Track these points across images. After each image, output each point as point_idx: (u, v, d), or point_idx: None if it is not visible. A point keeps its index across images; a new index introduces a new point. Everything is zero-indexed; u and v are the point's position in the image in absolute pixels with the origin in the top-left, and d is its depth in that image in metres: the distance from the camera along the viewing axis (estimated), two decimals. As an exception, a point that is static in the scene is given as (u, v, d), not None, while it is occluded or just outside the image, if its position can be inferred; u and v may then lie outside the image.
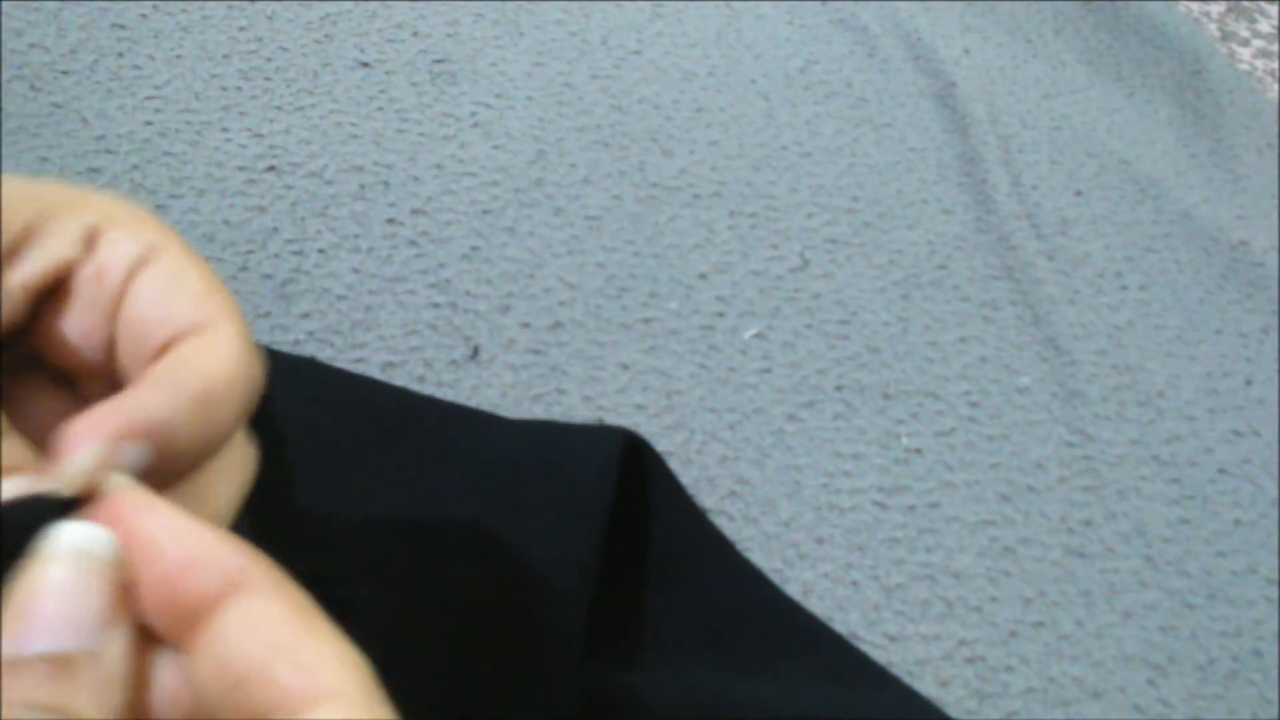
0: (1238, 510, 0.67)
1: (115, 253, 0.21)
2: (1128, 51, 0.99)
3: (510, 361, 0.63)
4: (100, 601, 0.16)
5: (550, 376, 0.63)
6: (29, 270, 0.20)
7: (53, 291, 0.21)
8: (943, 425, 0.67)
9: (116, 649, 0.16)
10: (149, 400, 0.19)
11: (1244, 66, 1.03)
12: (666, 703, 0.35)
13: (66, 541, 0.16)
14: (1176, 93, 0.96)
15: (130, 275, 0.21)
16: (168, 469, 0.19)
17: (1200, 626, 0.61)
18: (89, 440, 0.18)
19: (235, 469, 0.22)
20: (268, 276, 0.64)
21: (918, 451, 0.65)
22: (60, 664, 0.15)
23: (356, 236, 0.67)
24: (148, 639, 0.17)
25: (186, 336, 0.20)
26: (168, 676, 0.17)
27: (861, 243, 0.76)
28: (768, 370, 0.67)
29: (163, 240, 0.22)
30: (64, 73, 0.71)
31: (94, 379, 0.22)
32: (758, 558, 0.58)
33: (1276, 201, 0.89)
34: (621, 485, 0.36)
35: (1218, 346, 0.76)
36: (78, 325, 0.21)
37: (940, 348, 0.71)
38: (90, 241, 0.21)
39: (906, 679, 0.53)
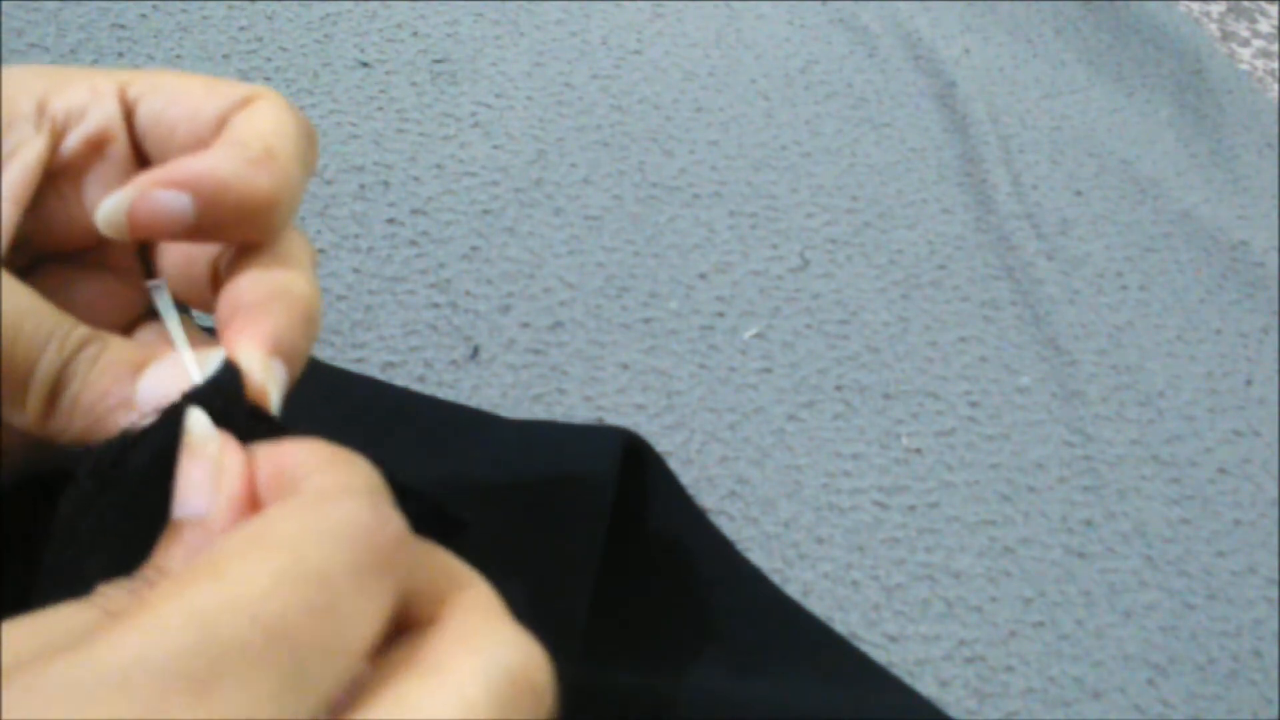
0: (1238, 510, 0.67)
1: (106, 103, 0.20)
2: (1128, 51, 0.99)
3: (510, 361, 0.63)
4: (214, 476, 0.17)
5: (550, 376, 0.63)
6: (72, 144, 0.20)
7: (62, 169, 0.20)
8: (943, 425, 0.67)
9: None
10: (200, 157, 0.19)
11: (1244, 66, 1.03)
12: (667, 703, 0.35)
13: (200, 429, 0.17)
14: (1176, 93, 0.96)
15: (132, 104, 0.20)
16: (221, 227, 0.19)
17: (1200, 626, 0.61)
18: (127, 188, 0.18)
19: None
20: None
21: (918, 451, 0.65)
22: (172, 528, 0.16)
23: (356, 236, 0.67)
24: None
25: (241, 109, 0.20)
26: None
27: (861, 243, 0.76)
28: (768, 370, 0.67)
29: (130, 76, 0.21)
30: (64, 73, 0.71)
31: (114, 248, 0.21)
32: (758, 558, 0.58)
33: (1276, 201, 0.89)
34: (621, 485, 0.36)
35: (1218, 346, 0.76)
36: (101, 188, 0.20)
37: (940, 348, 0.71)
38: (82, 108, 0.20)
39: (906, 679, 0.53)
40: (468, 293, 0.66)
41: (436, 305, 0.65)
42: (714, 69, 0.85)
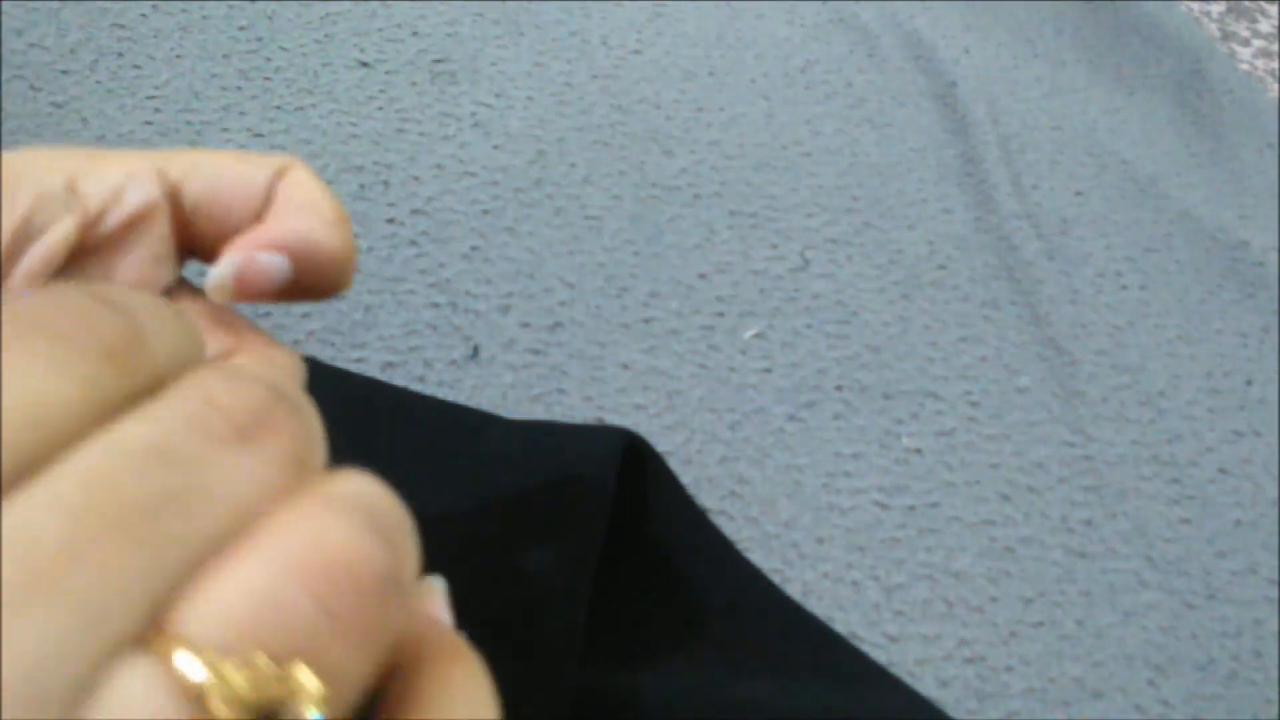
0: (1238, 510, 0.67)
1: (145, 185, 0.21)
2: (1128, 51, 0.99)
3: (510, 361, 0.63)
4: None
5: (550, 376, 0.63)
6: (112, 223, 0.20)
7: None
8: (943, 425, 0.67)
9: None
10: (284, 221, 0.21)
11: (1244, 66, 1.03)
12: (666, 703, 0.35)
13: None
14: (1176, 93, 0.96)
15: (180, 183, 0.21)
16: (315, 283, 0.21)
17: (1200, 626, 0.61)
18: (229, 255, 0.20)
19: None
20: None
21: (918, 451, 0.65)
22: None
23: (356, 236, 0.67)
24: None
25: (280, 179, 0.21)
26: None
27: (861, 243, 0.76)
28: (768, 370, 0.67)
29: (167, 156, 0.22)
30: (64, 73, 0.71)
31: None
32: (758, 558, 0.58)
33: (1276, 201, 0.89)
34: (622, 485, 0.36)
35: (1218, 346, 0.76)
36: (140, 262, 0.21)
37: (940, 348, 0.71)
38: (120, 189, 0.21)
39: (906, 679, 0.53)
40: (468, 293, 0.66)
41: (436, 305, 0.65)
42: (714, 69, 0.85)
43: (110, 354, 0.13)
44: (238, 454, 0.13)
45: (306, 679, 0.12)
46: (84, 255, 0.20)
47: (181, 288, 0.22)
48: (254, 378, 0.14)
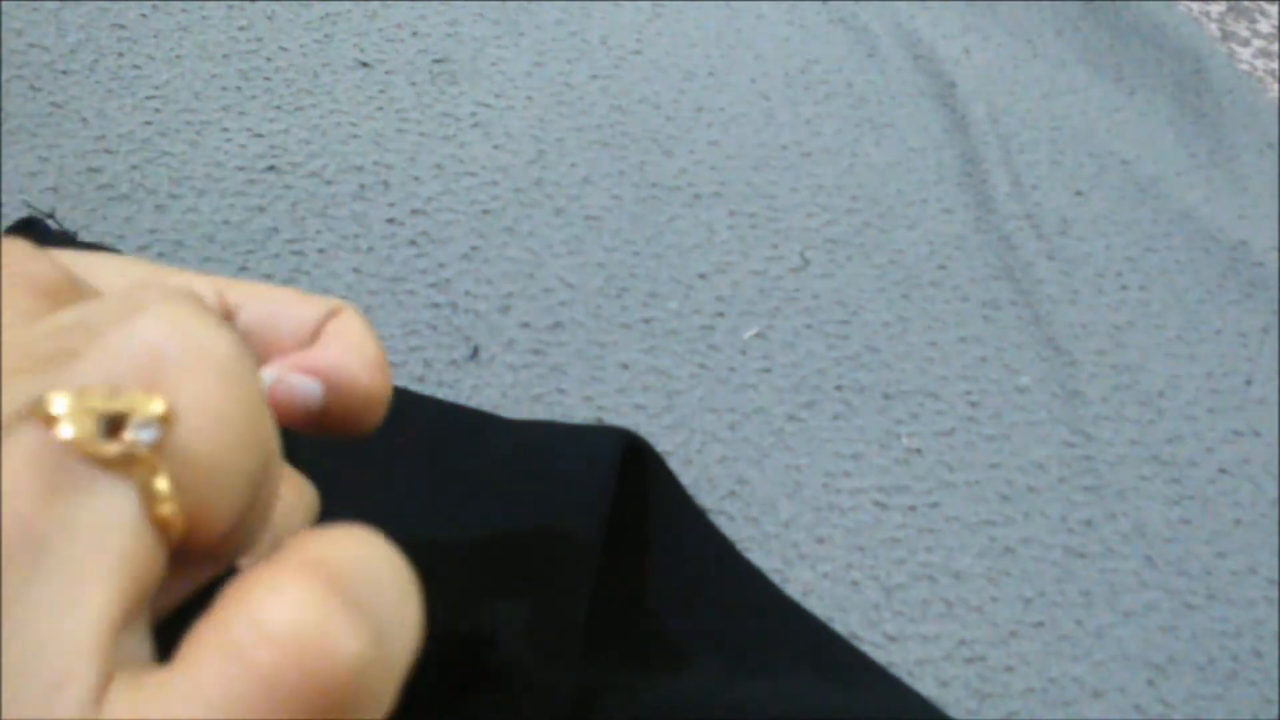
0: (1238, 510, 0.67)
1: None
2: (1128, 51, 0.99)
3: (510, 361, 0.63)
4: None
5: (550, 376, 0.63)
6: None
7: None
8: (943, 425, 0.67)
9: None
10: (325, 350, 0.21)
11: (1244, 66, 1.03)
12: (666, 703, 0.35)
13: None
14: (1176, 93, 0.96)
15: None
16: (344, 419, 0.21)
17: (1200, 626, 0.61)
18: (268, 368, 0.21)
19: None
20: (268, 276, 0.64)
21: (918, 451, 0.65)
22: None
23: (356, 236, 0.67)
24: None
25: (330, 319, 0.22)
26: None
27: (861, 243, 0.76)
28: (768, 370, 0.67)
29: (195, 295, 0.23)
30: (64, 73, 0.71)
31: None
32: (758, 558, 0.58)
33: (1276, 201, 0.89)
34: (621, 485, 0.36)
35: (1218, 346, 0.76)
36: None
37: (940, 348, 0.71)
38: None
39: (906, 679, 0.53)
40: (468, 293, 0.66)
41: (436, 305, 0.65)
42: (714, 69, 0.85)
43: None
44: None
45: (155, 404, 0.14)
46: None
47: None
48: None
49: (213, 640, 0.13)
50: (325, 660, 0.13)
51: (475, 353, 0.63)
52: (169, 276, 0.21)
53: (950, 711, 0.53)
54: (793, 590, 0.57)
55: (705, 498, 0.60)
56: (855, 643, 0.54)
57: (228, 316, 0.22)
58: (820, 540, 0.60)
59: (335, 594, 0.13)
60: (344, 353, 0.21)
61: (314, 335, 0.22)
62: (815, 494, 0.62)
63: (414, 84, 0.77)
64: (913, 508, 0.62)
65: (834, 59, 0.89)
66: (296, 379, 0.21)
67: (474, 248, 0.68)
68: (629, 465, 0.38)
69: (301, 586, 0.13)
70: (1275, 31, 1.08)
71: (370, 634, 0.13)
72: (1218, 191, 0.88)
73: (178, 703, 0.12)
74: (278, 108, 0.73)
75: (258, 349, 0.22)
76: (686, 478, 0.60)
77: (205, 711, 0.12)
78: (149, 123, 0.69)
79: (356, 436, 0.22)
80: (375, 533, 0.15)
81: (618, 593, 0.37)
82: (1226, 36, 1.06)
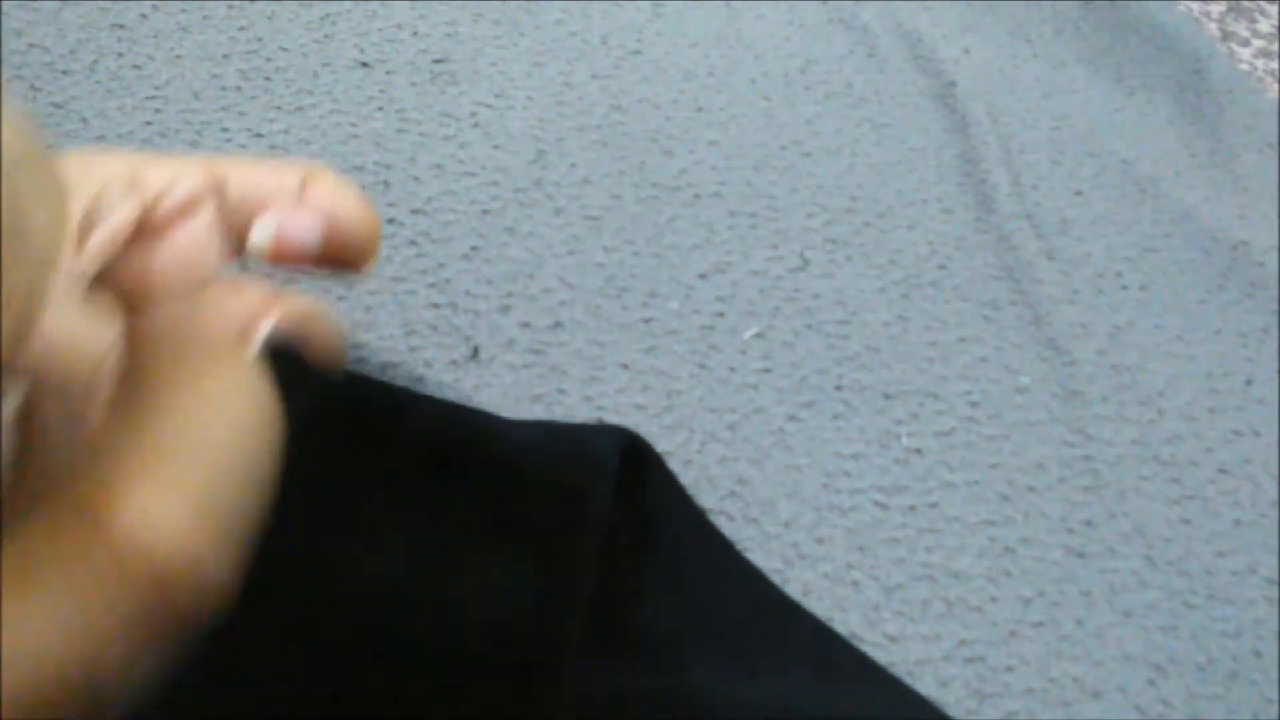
0: (1238, 510, 0.67)
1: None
2: (1128, 51, 0.99)
3: (510, 361, 0.63)
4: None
5: (550, 376, 0.63)
6: (168, 206, 0.24)
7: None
8: (943, 425, 0.67)
9: None
10: (314, 193, 0.24)
11: (1244, 66, 1.03)
12: (666, 703, 0.35)
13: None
14: (1176, 93, 0.96)
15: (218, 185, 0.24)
16: (343, 253, 0.24)
17: (1200, 626, 0.61)
18: (267, 216, 0.23)
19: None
20: (268, 277, 0.64)
21: (918, 451, 0.65)
22: None
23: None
24: None
25: (310, 178, 0.24)
26: None
27: (861, 243, 0.76)
28: (768, 370, 0.67)
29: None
30: (64, 73, 0.71)
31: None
32: (758, 558, 0.58)
33: (1276, 201, 0.89)
34: (620, 485, 0.36)
35: (1218, 346, 0.76)
36: (181, 254, 0.24)
37: (940, 348, 0.71)
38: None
39: (906, 679, 0.53)
40: (468, 293, 0.66)
41: (436, 305, 0.65)
42: (714, 69, 0.85)
43: None
44: None
45: None
46: (141, 238, 0.23)
47: (226, 281, 0.25)
48: None
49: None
50: None
51: (475, 353, 0.63)
52: (158, 159, 0.23)
53: (950, 711, 0.53)
54: (793, 590, 0.57)
55: (705, 498, 0.60)
56: (855, 643, 0.53)
57: (218, 188, 0.24)
58: (820, 540, 0.60)
59: None
60: (331, 195, 0.24)
61: (298, 195, 0.24)
62: (815, 494, 0.62)
63: (414, 84, 0.77)
64: (913, 508, 0.62)
65: (834, 59, 0.89)
66: (295, 218, 0.23)
67: (474, 248, 0.68)
68: (628, 465, 0.38)
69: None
70: (1275, 31, 1.08)
71: None
72: (1218, 191, 0.88)
73: None
74: (278, 108, 0.73)
75: (250, 210, 0.24)
76: (686, 478, 0.60)
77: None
78: (149, 123, 0.69)
79: (356, 275, 0.25)
80: None
81: (617, 593, 0.37)
82: (1226, 36, 1.06)
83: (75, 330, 0.21)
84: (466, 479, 0.25)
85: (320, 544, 0.25)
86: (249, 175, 0.24)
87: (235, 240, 0.24)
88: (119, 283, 0.23)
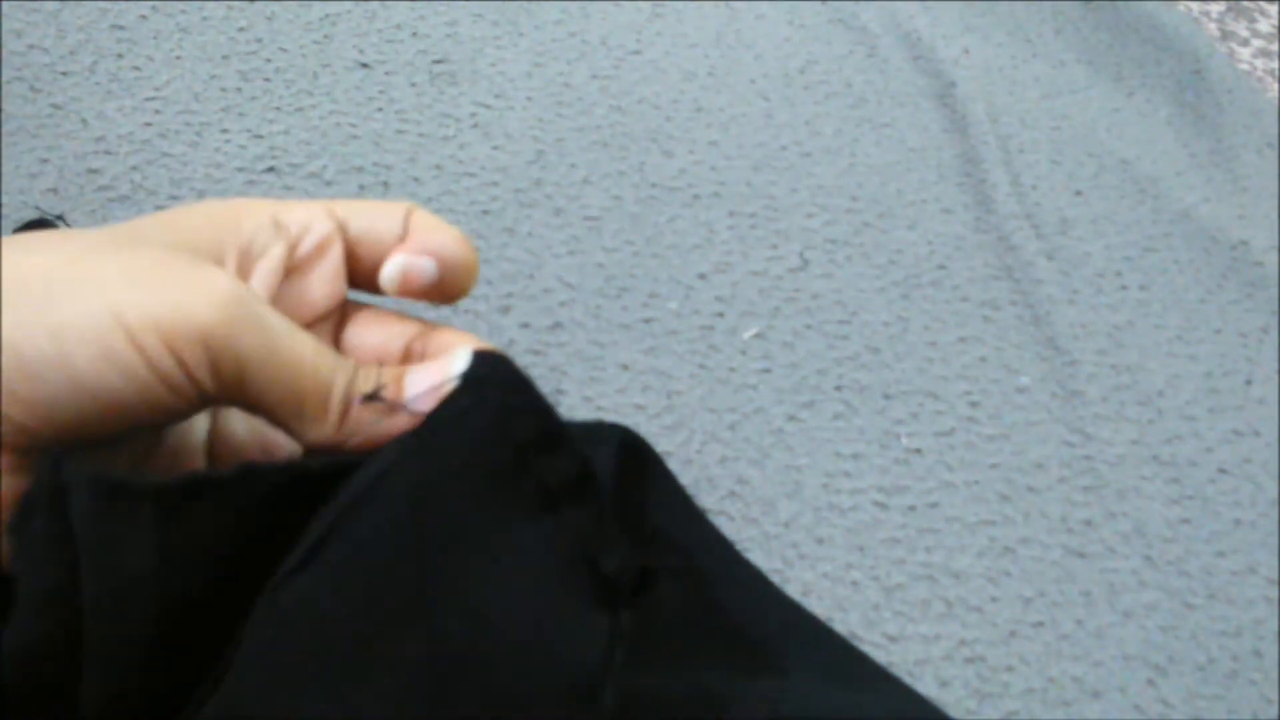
0: (1238, 510, 0.67)
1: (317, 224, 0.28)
2: (1128, 51, 0.99)
3: (510, 362, 0.63)
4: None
5: (550, 376, 0.63)
6: (306, 248, 0.27)
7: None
8: (943, 425, 0.67)
9: None
10: (426, 236, 0.28)
11: (1244, 66, 1.03)
12: (666, 703, 0.35)
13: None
14: (1176, 93, 0.96)
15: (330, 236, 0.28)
16: (450, 285, 0.28)
17: (1200, 626, 0.61)
18: (396, 256, 0.27)
19: None
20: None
21: (918, 451, 0.65)
22: None
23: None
24: None
25: (410, 217, 0.28)
26: None
27: (861, 243, 0.76)
28: (768, 370, 0.67)
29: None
30: (64, 74, 0.71)
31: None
32: (758, 558, 0.58)
33: (1276, 201, 0.89)
34: (619, 484, 0.36)
35: (1218, 346, 0.76)
36: (321, 281, 0.27)
37: (940, 348, 0.71)
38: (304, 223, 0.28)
39: (906, 679, 0.53)
40: (467, 293, 0.66)
41: (436, 306, 0.65)
42: (714, 69, 0.85)
43: None
44: None
45: None
46: (286, 274, 0.27)
47: (351, 304, 0.29)
48: None
49: None
50: None
51: (475, 353, 0.63)
52: (292, 204, 0.27)
53: (950, 711, 0.53)
54: (793, 590, 0.57)
55: (705, 498, 0.60)
56: (855, 643, 0.53)
57: (342, 229, 0.27)
58: (820, 540, 0.60)
59: None
60: (437, 235, 0.28)
61: (404, 232, 0.28)
62: (815, 494, 0.62)
63: (414, 85, 0.77)
64: (913, 508, 0.62)
65: (834, 59, 0.89)
66: (419, 260, 0.27)
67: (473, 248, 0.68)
68: (627, 463, 0.38)
69: None
70: (1275, 31, 1.08)
71: None
72: (1217, 191, 0.88)
73: None
74: (277, 109, 0.73)
75: (371, 248, 0.28)
76: (686, 478, 0.60)
77: None
78: (149, 124, 0.69)
79: (459, 300, 0.29)
80: None
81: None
82: (1226, 36, 1.06)
83: (289, 335, 0.24)
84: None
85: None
86: (364, 217, 0.28)
87: (357, 273, 0.28)
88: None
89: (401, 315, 0.29)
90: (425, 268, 0.27)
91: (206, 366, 0.22)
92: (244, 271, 0.25)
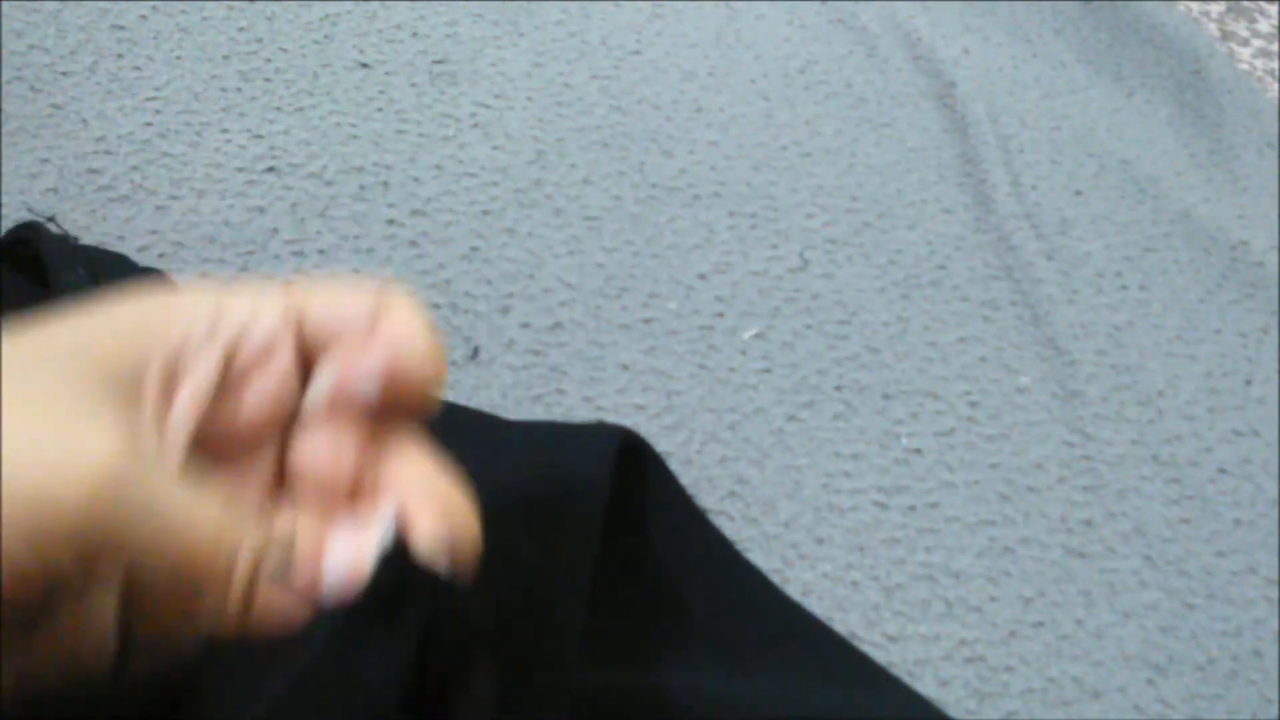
0: (1238, 510, 0.67)
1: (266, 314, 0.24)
2: (1128, 51, 0.99)
3: (510, 361, 0.63)
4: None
5: (550, 376, 0.63)
6: (242, 361, 0.23)
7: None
8: (943, 425, 0.67)
9: None
10: (376, 352, 0.23)
11: (1244, 66, 1.03)
12: (666, 702, 0.35)
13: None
14: (1176, 93, 0.96)
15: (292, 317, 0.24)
16: (400, 408, 0.24)
17: (1200, 626, 0.61)
18: (327, 370, 0.23)
19: None
20: (268, 277, 0.64)
21: (918, 451, 0.65)
22: None
23: (356, 237, 0.67)
24: None
25: (384, 309, 0.24)
26: None
27: (861, 243, 0.76)
28: (768, 370, 0.67)
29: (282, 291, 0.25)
30: (64, 74, 0.71)
31: (245, 449, 0.24)
32: (758, 558, 0.58)
33: (1276, 201, 0.89)
34: (619, 484, 0.36)
35: (1218, 346, 0.76)
36: (259, 392, 0.24)
37: (940, 348, 0.71)
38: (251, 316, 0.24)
39: (906, 679, 0.53)
40: (467, 293, 0.66)
41: (436, 306, 0.65)
42: (714, 69, 0.85)
43: None
44: None
45: None
46: (226, 390, 0.23)
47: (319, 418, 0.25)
48: None
49: None
50: None
51: (475, 353, 0.63)
52: (236, 292, 0.23)
53: (950, 711, 0.53)
54: (793, 590, 0.57)
55: (705, 498, 0.60)
56: (855, 643, 0.54)
57: (298, 318, 0.24)
58: (820, 540, 0.60)
59: None
60: (401, 332, 0.23)
61: (371, 325, 0.24)
62: (815, 494, 0.62)
63: (413, 85, 0.77)
64: (913, 508, 0.62)
65: (833, 59, 0.89)
66: (354, 369, 0.23)
67: (474, 248, 0.68)
68: (627, 464, 0.38)
69: None
70: (1275, 31, 1.08)
71: None
72: (1217, 191, 0.88)
73: None
74: (277, 109, 0.73)
75: (326, 340, 0.24)
76: (686, 478, 0.60)
77: None
78: (149, 124, 0.69)
79: (413, 422, 0.24)
80: None
81: (615, 593, 0.37)
82: (1226, 36, 1.06)
83: (185, 509, 0.20)
84: (465, 479, 0.26)
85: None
86: (325, 304, 0.24)
87: (315, 365, 0.24)
88: (207, 439, 0.22)
89: (355, 411, 0.24)
90: (364, 378, 0.23)
91: (72, 558, 0.18)
92: (167, 394, 0.22)
